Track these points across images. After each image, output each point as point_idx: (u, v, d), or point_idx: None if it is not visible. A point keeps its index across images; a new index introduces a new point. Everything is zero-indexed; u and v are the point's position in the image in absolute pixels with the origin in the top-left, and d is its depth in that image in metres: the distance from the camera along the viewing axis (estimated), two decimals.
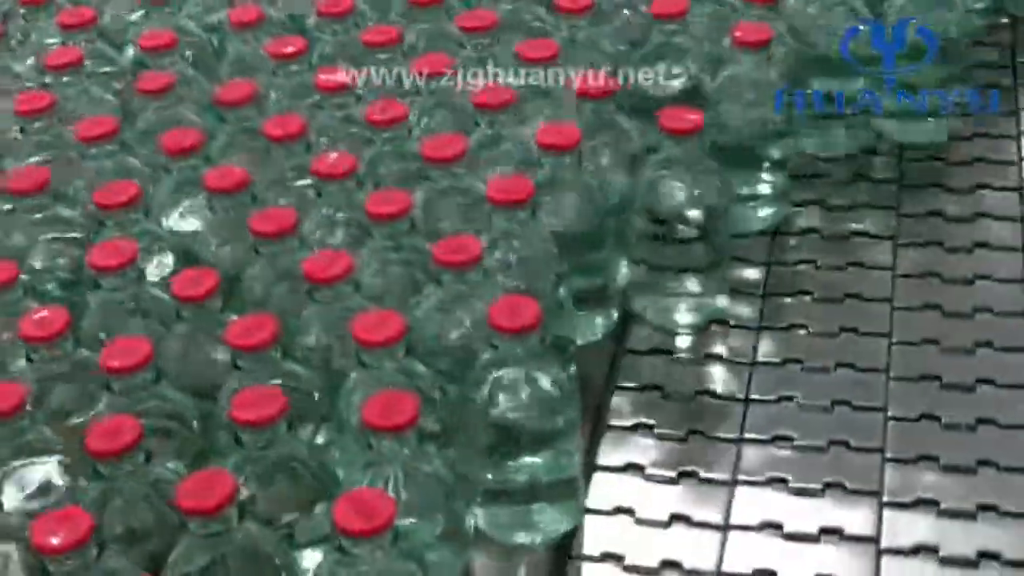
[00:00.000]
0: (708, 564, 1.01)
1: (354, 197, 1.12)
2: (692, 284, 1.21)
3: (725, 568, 1.00)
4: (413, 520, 0.91)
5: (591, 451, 1.10)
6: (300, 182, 1.16)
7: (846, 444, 1.09)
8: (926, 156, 1.38)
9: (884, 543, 1.00)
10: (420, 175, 1.13)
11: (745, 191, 1.29)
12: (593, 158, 1.19)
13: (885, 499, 1.03)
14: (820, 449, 1.09)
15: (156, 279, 1.11)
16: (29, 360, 1.01)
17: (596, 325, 1.20)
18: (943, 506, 1.02)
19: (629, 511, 1.06)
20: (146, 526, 0.92)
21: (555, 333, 1.09)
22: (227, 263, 1.10)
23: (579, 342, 1.18)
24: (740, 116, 1.26)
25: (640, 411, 1.14)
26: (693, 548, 1.02)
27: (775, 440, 1.10)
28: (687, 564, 1.01)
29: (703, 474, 1.08)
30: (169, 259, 1.13)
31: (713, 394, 1.15)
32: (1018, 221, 1.30)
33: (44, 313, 1.02)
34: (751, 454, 1.09)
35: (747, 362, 1.18)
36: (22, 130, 1.25)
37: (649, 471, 1.09)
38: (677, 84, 1.28)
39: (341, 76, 1.22)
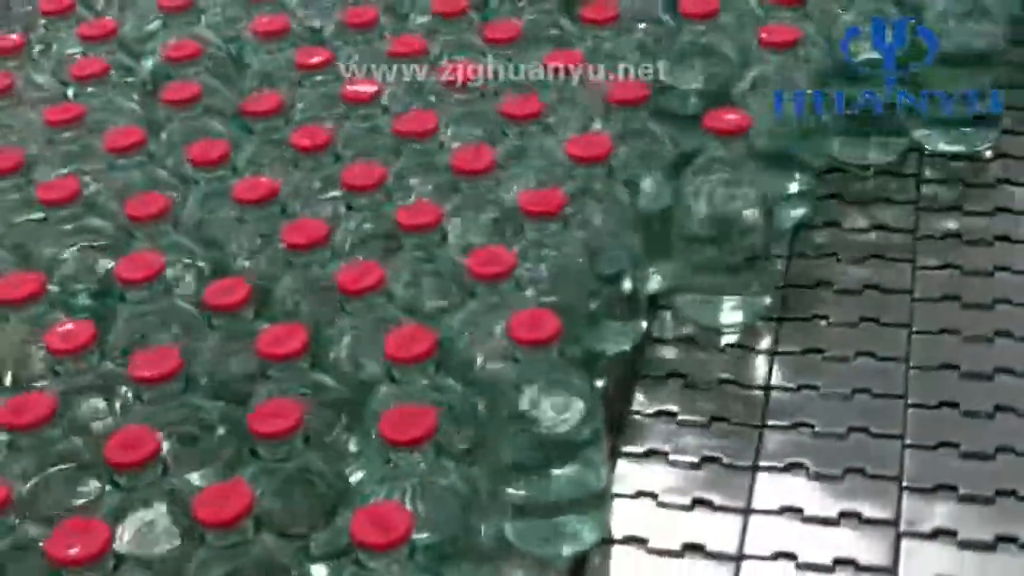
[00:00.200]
0: (730, 547, 1.03)
1: (383, 208, 1.12)
2: (738, 283, 1.22)
3: (747, 551, 1.02)
4: (430, 534, 0.91)
5: (615, 438, 1.11)
6: (328, 193, 1.17)
7: (866, 431, 1.10)
8: (944, 178, 1.39)
9: (903, 527, 1.02)
10: (452, 187, 1.12)
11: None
12: (628, 164, 1.19)
13: (905, 484, 1.05)
14: (840, 436, 1.10)
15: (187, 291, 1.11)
16: (55, 373, 1.01)
17: (624, 335, 1.20)
18: (962, 491, 1.04)
19: (652, 495, 1.08)
20: (163, 538, 0.91)
21: (586, 345, 1.10)
22: (257, 274, 1.10)
23: (607, 352, 1.18)
24: (766, 118, 1.26)
25: (663, 399, 1.16)
26: (715, 531, 1.04)
27: (796, 427, 1.11)
28: (710, 547, 1.03)
29: (725, 460, 1.10)
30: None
31: (735, 383, 1.17)
32: None
33: (70, 326, 1.02)
34: (772, 440, 1.10)
35: (768, 351, 1.19)
36: (50, 140, 1.25)
37: (672, 457, 1.11)
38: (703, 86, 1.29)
39: (369, 87, 1.22)
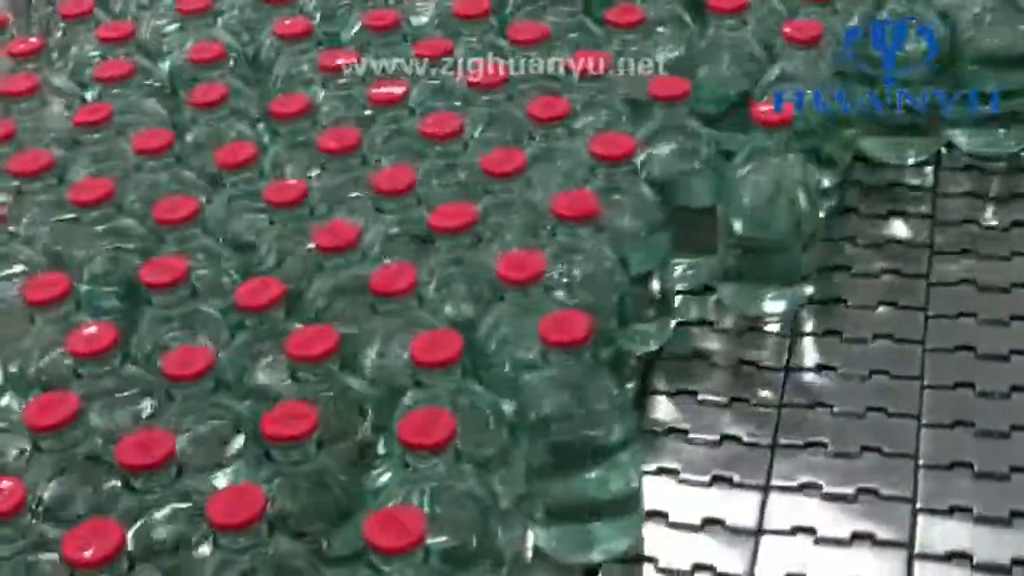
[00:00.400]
0: (750, 521, 1.05)
1: (412, 211, 1.11)
2: (782, 272, 1.23)
3: (766, 527, 1.04)
4: (447, 539, 0.91)
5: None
6: (353, 194, 1.16)
7: (884, 411, 1.13)
8: (964, 165, 1.40)
9: (920, 504, 1.03)
10: (484, 189, 1.12)
11: None
12: (670, 160, 1.20)
13: (921, 462, 1.06)
14: (859, 415, 1.13)
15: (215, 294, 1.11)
16: (77, 375, 1.01)
17: (654, 335, 1.21)
18: (978, 469, 1.05)
19: (673, 471, 1.10)
20: (177, 540, 0.91)
21: (617, 347, 1.10)
22: (286, 276, 1.09)
23: (637, 352, 1.18)
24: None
25: (683, 379, 1.18)
26: (734, 507, 1.06)
27: (814, 407, 1.14)
28: (729, 521, 1.05)
29: (745, 439, 1.12)
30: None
31: (754, 364, 1.19)
32: None
33: (93, 329, 1.01)
34: (791, 420, 1.13)
35: (786, 333, 1.22)
36: (77, 141, 1.25)
37: (692, 435, 1.13)
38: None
39: (395, 88, 1.22)
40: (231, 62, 1.37)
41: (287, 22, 1.36)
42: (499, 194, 1.11)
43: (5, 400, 1.12)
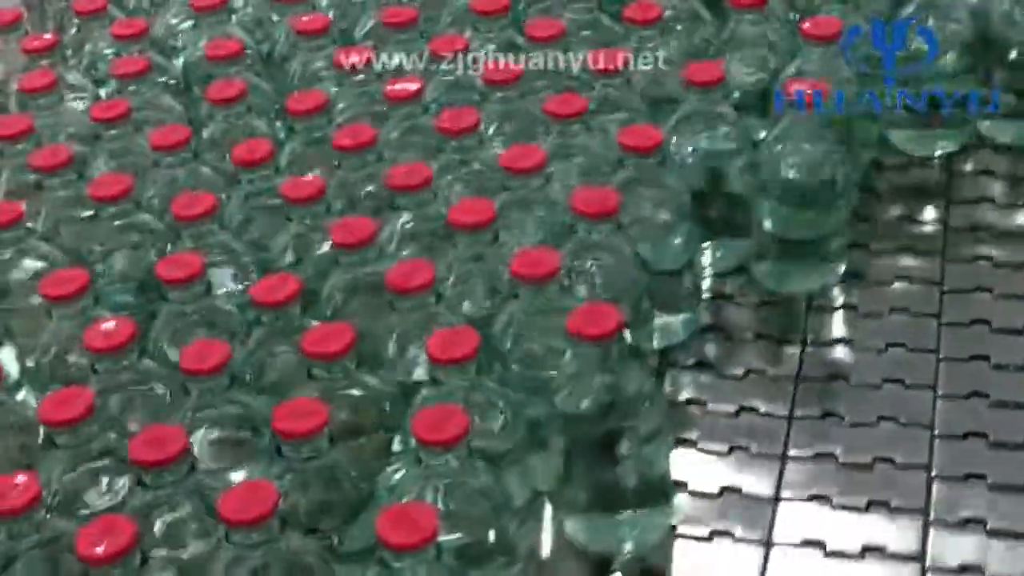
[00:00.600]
0: (767, 489, 1.07)
1: (428, 207, 1.11)
2: (816, 251, 1.24)
3: (783, 495, 1.07)
4: (460, 536, 0.91)
5: None
6: (367, 190, 1.16)
7: (901, 382, 1.15)
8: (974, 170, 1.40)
9: (932, 516, 1.03)
10: (503, 184, 1.12)
11: None
12: (704, 145, 1.21)
13: (935, 473, 1.06)
14: (875, 386, 1.15)
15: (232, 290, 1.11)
16: (94, 371, 1.01)
17: (679, 328, 1.21)
18: (991, 480, 1.05)
19: (691, 442, 1.12)
20: (189, 536, 0.91)
21: (637, 343, 1.10)
22: (303, 273, 1.09)
23: (658, 346, 1.19)
24: None
25: (702, 351, 1.21)
26: (751, 477, 1.08)
27: (832, 379, 1.16)
28: (746, 490, 1.07)
29: (763, 410, 1.14)
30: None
31: (772, 337, 1.22)
32: None
33: (110, 324, 1.01)
34: (807, 390, 1.16)
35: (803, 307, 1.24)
36: (96, 137, 1.25)
37: (710, 407, 1.15)
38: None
39: (411, 85, 1.22)
40: (247, 59, 1.37)
41: (304, 18, 1.36)
42: (517, 190, 1.11)
43: (22, 395, 1.12)
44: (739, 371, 1.18)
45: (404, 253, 1.10)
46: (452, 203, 1.09)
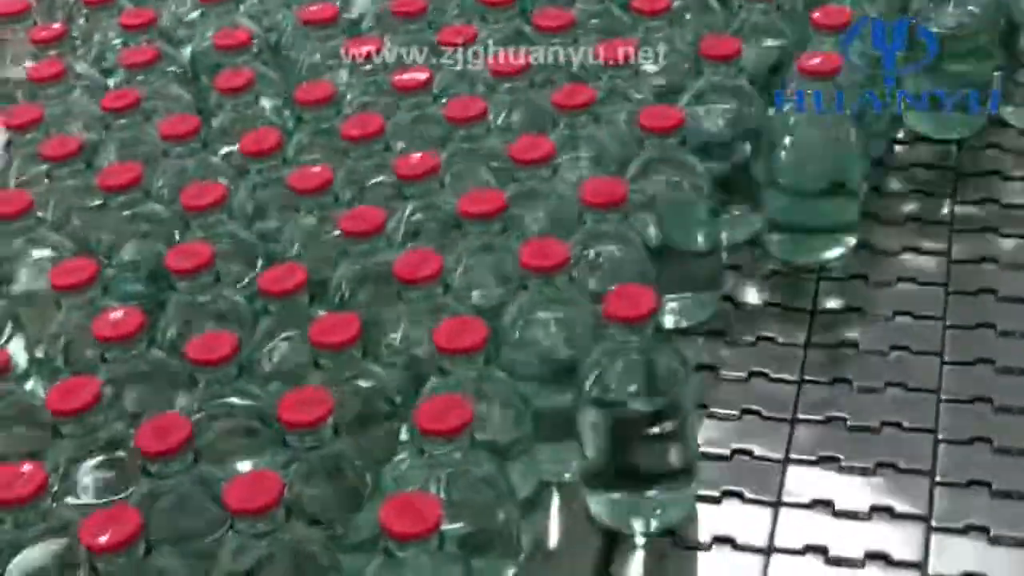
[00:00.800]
0: (777, 452, 1.09)
1: (436, 196, 1.11)
2: (834, 220, 1.26)
3: (792, 456, 1.08)
4: (463, 525, 0.91)
5: None
6: (375, 180, 1.16)
7: (907, 349, 1.17)
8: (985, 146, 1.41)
9: (935, 523, 1.02)
10: (511, 176, 1.12)
11: None
12: (721, 120, 1.22)
13: (938, 479, 1.06)
14: (882, 353, 1.18)
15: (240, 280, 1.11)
16: (103, 360, 1.01)
17: (701, 307, 1.22)
18: (995, 487, 1.04)
19: (703, 405, 1.13)
20: (194, 525, 0.91)
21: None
22: (311, 263, 1.09)
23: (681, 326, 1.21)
24: None
25: (713, 320, 1.22)
26: (762, 438, 1.10)
27: (839, 346, 1.19)
28: (757, 452, 1.09)
29: (772, 376, 1.16)
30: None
31: (781, 306, 1.24)
32: None
33: (119, 314, 1.01)
34: (816, 357, 1.18)
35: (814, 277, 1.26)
36: (106, 127, 1.25)
37: (722, 373, 1.17)
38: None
39: (419, 75, 1.22)
40: (255, 48, 1.37)
41: (312, 8, 1.35)
42: (526, 181, 1.11)
43: (31, 384, 1.12)
44: (751, 338, 1.20)
45: (412, 243, 1.10)
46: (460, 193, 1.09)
